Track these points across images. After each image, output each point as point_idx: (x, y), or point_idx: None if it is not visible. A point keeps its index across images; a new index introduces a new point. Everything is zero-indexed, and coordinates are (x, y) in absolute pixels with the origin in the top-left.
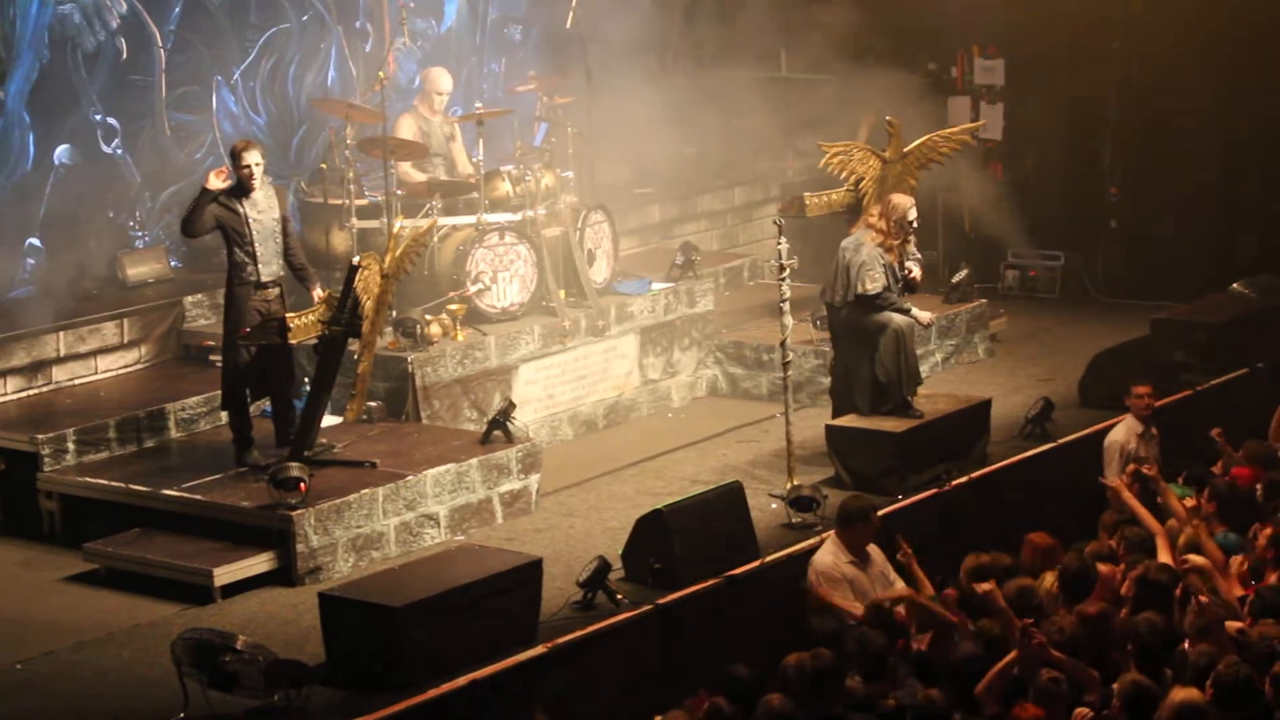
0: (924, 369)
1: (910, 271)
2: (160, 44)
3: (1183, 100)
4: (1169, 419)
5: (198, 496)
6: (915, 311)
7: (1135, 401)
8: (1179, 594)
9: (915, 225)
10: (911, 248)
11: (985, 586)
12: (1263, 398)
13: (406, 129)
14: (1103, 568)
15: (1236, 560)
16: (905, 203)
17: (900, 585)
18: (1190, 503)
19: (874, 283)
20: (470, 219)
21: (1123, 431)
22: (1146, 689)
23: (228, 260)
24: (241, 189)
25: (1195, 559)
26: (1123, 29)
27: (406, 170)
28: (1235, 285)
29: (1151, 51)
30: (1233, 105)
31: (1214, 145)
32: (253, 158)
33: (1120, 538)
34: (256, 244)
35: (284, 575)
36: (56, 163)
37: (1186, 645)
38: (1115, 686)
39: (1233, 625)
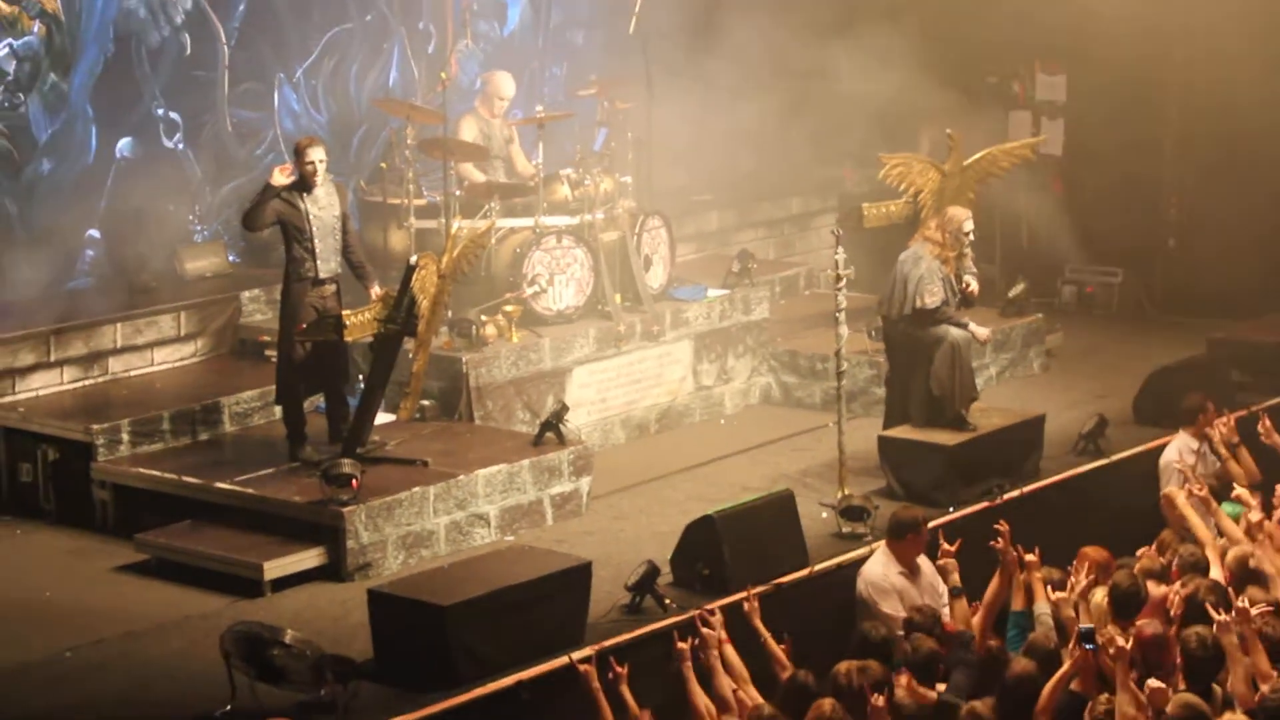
0: (978, 382)
1: (968, 286)
2: (224, 40)
3: (1244, 119)
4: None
5: (250, 490)
6: (973, 327)
7: (1217, 418)
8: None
9: (972, 238)
10: (969, 262)
11: (1059, 595)
12: None
13: (468, 130)
14: (1155, 588)
15: None
16: (962, 214)
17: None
18: (1244, 522)
19: (933, 297)
20: (528, 221)
21: (1175, 450)
22: (1199, 710)
23: (286, 255)
24: (304, 185)
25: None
26: (1184, 47)
27: (469, 170)
28: None
29: (1213, 71)
30: None
31: (1275, 164)
32: (316, 154)
33: (1174, 555)
34: (316, 240)
35: (333, 571)
36: (118, 156)
37: None
38: (1167, 707)
39: None
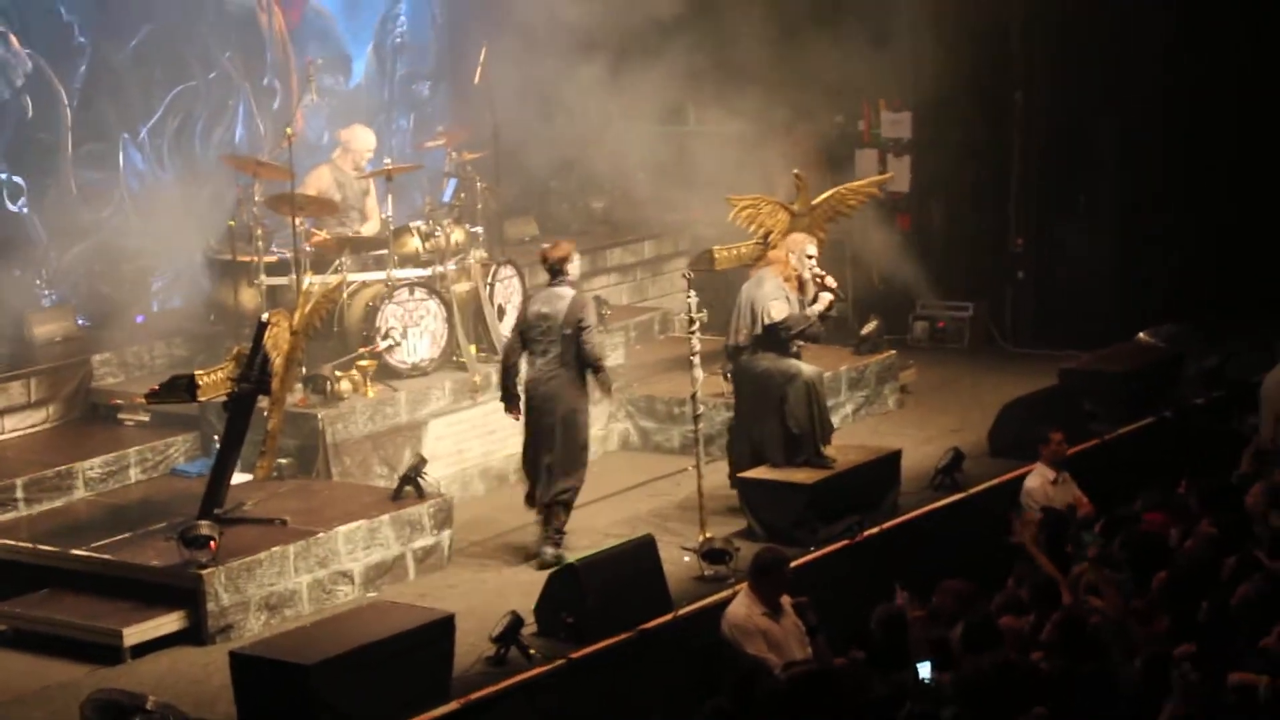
0: (834, 420)
1: (824, 277)
2: (66, 102)
3: (1086, 151)
4: (1077, 468)
5: (106, 556)
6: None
7: (1057, 448)
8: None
9: (815, 264)
10: (823, 280)
11: (916, 613)
12: (1170, 446)
13: (322, 180)
14: (1009, 620)
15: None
16: (804, 238)
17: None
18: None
19: (779, 311)
20: (380, 275)
21: (1037, 479)
22: None
23: None
24: None
25: (1094, 601)
26: (1025, 81)
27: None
28: (1141, 335)
29: (1054, 103)
30: (1136, 156)
31: (1117, 196)
32: None
33: (1028, 586)
34: None
35: (194, 634)
36: None
37: None
38: None
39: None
